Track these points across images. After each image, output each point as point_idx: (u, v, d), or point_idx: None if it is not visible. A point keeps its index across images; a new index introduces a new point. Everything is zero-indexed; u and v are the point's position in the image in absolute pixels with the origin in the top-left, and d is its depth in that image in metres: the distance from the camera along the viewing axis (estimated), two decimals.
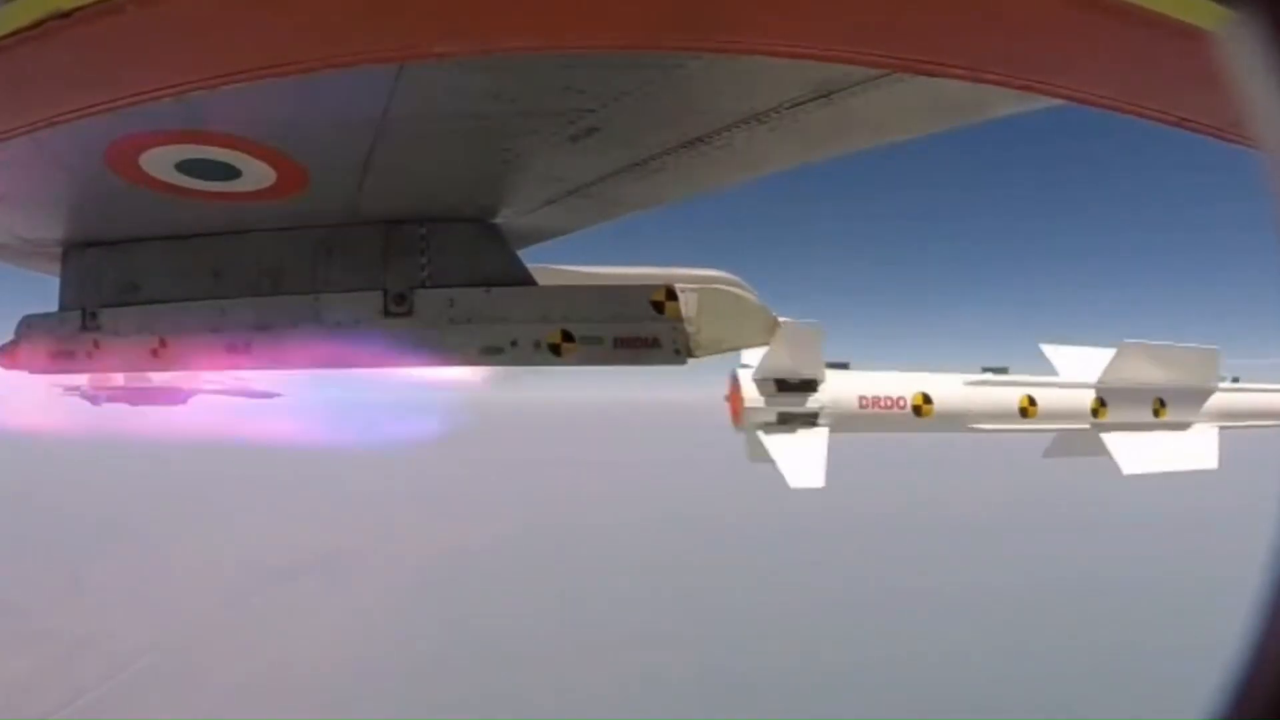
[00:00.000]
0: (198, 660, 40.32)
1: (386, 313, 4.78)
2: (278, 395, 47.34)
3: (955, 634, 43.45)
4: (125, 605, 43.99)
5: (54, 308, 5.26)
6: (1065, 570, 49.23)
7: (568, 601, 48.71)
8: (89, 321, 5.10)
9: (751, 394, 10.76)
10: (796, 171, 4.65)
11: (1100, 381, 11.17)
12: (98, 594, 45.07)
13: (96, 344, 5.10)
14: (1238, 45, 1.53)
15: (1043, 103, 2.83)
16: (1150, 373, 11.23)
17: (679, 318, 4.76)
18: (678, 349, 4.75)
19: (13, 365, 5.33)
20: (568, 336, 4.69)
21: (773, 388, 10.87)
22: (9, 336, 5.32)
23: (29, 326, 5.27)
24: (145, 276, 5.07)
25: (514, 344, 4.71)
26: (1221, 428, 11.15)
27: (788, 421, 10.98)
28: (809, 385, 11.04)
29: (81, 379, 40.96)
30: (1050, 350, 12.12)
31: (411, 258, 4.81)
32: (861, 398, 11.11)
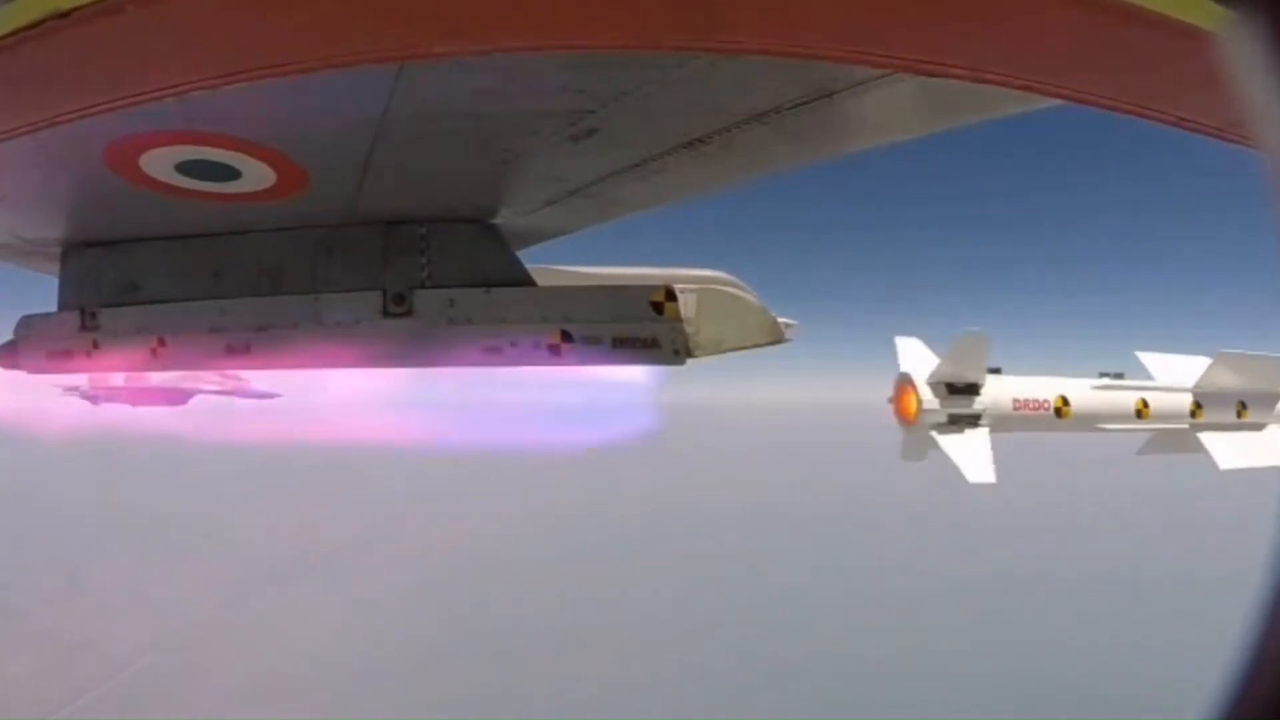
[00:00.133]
0: (198, 660, 40.33)
1: (386, 313, 4.78)
2: (277, 396, 47.39)
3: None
4: (125, 605, 44.00)
5: (53, 308, 5.26)
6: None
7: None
8: (88, 321, 5.09)
9: (927, 396, 12.31)
10: (796, 171, 4.66)
11: (1196, 386, 12.72)
12: (98, 594, 45.07)
13: (96, 344, 5.10)
14: (1238, 45, 1.53)
15: (1043, 103, 2.83)
16: (1236, 378, 12.79)
17: (678, 318, 4.76)
18: (677, 349, 4.75)
19: (12, 365, 5.32)
20: (567, 337, 4.69)
21: (944, 390, 12.40)
22: (8, 336, 5.31)
23: (28, 326, 5.27)
24: (145, 277, 5.07)
25: (513, 344, 4.71)
26: None
27: (955, 422, 12.44)
28: (973, 389, 12.44)
29: (81, 379, 40.99)
30: (1146, 357, 13.62)
31: (411, 258, 4.81)
32: (1015, 400, 12.52)
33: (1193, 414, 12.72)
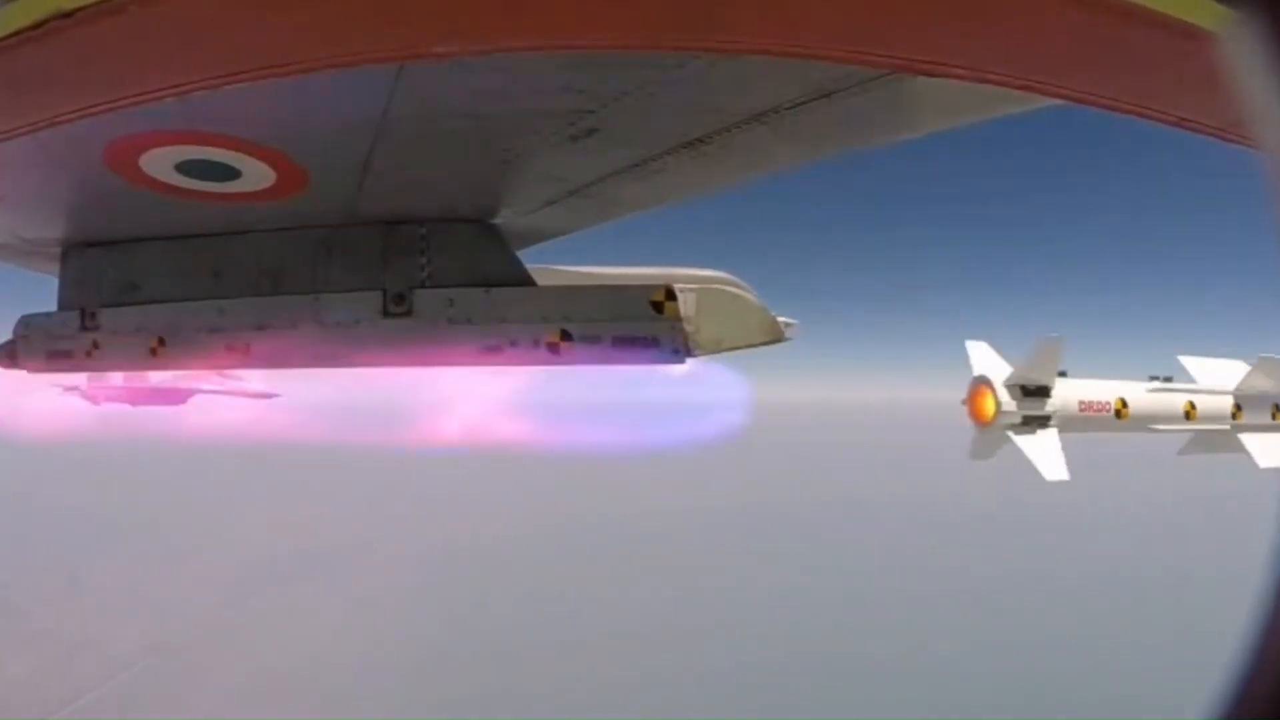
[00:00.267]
0: (198, 660, 40.34)
1: (386, 313, 4.78)
2: (276, 396, 47.39)
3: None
4: (125, 605, 44.01)
5: (53, 308, 5.26)
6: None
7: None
8: (88, 321, 5.10)
9: (1005, 398, 13.25)
10: (796, 171, 4.66)
11: (1237, 389, 13.72)
12: (98, 594, 45.08)
13: (96, 344, 5.10)
14: (1238, 45, 1.53)
15: (1043, 103, 2.83)
16: (1272, 382, 13.76)
17: (678, 318, 4.76)
18: (676, 349, 4.75)
19: (11, 365, 5.32)
20: (567, 336, 4.69)
21: (1019, 393, 13.33)
22: (8, 336, 5.31)
23: (27, 326, 5.27)
24: (145, 276, 5.07)
25: (513, 344, 4.71)
26: None
27: (1028, 423, 13.36)
28: (1044, 391, 13.35)
29: (81, 379, 40.97)
30: (1188, 361, 14.58)
31: (411, 258, 4.81)
32: (1081, 402, 13.50)
33: (1233, 415, 13.70)
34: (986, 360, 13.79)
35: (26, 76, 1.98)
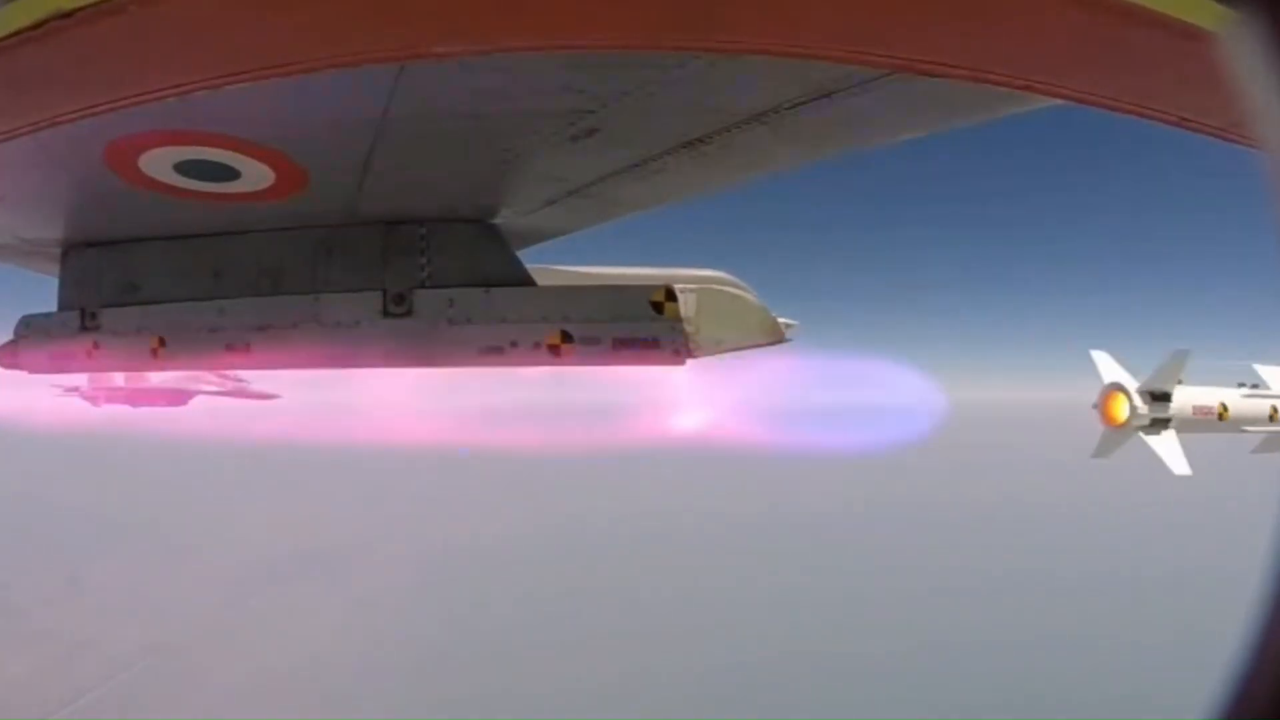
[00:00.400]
0: (198, 660, 40.33)
1: (386, 313, 4.78)
2: (277, 397, 47.42)
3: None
4: (125, 605, 43.99)
5: (53, 308, 5.26)
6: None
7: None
8: (88, 321, 5.09)
9: (1138, 402, 15.53)
10: (796, 171, 4.66)
11: None
12: (98, 594, 45.06)
13: (96, 344, 5.10)
14: (1238, 45, 1.53)
15: (1043, 103, 2.83)
16: None
17: (678, 318, 4.76)
18: (677, 349, 4.75)
19: (12, 365, 5.32)
20: (567, 337, 4.69)
21: (1148, 398, 15.57)
22: (8, 336, 5.31)
23: (28, 326, 5.27)
24: (145, 276, 5.07)
25: (513, 344, 4.71)
26: None
27: (1153, 425, 15.58)
28: (1166, 397, 15.54)
29: (81, 380, 41.04)
30: (1264, 370, 16.84)
31: (411, 258, 4.81)
32: (1194, 407, 15.69)
33: None
34: (1109, 368, 16.13)
35: (26, 76, 1.98)
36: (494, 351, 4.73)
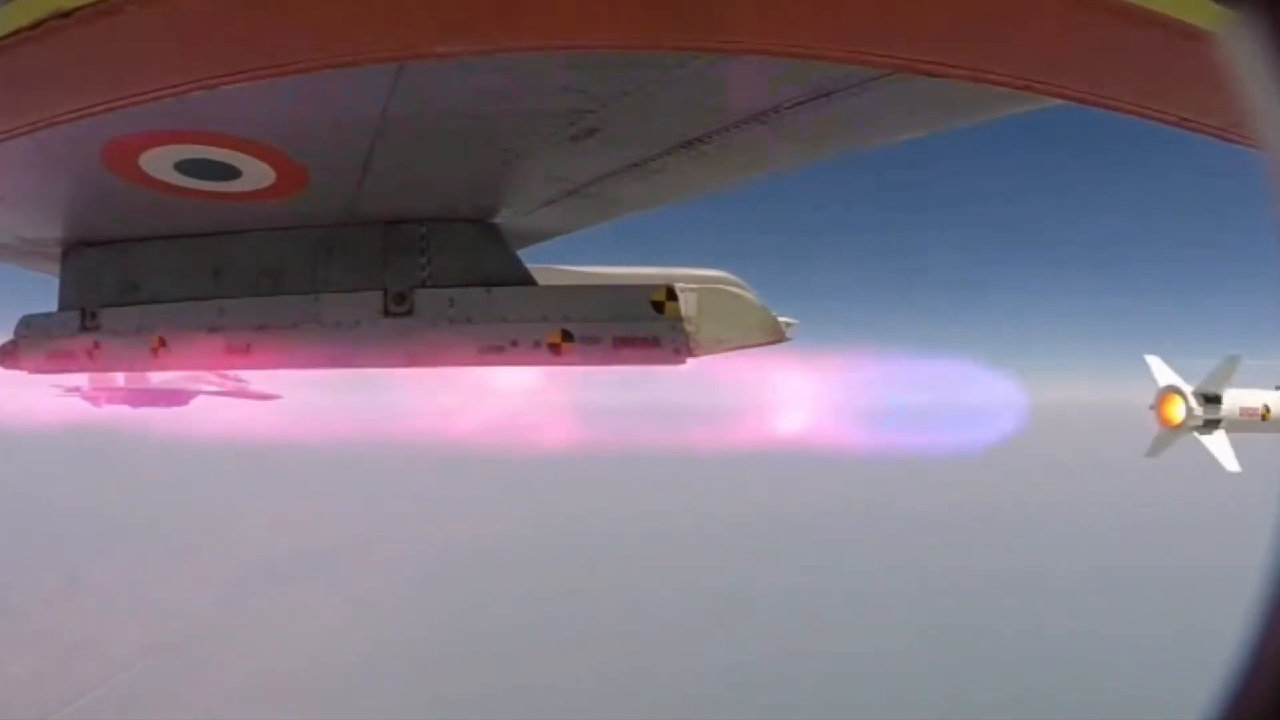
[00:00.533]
0: (198, 660, 40.32)
1: (386, 312, 4.78)
2: (277, 397, 47.45)
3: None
4: (125, 605, 43.99)
5: (53, 308, 5.26)
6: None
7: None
8: (88, 321, 5.09)
9: (1193, 404, 16.91)
10: (796, 171, 4.66)
11: None
12: (98, 594, 45.06)
13: (96, 344, 5.10)
14: (1238, 45, 1.53)
15: (1043, 103, 2.83)
16: None
17: (679, 317, 4.76)
18: (677, 349, 4.75)
19: (12, 365, 5.32)
20: (567, 336, 4.69)
21: (1202, 400, 16.94)
22: (8, 336, 5.31)
23: (28, 326, 5.27)
24: (145, 276, 5.07)
25: (514, 344, 4.71)
26: None
27: (1206, 425, 16.99)
28: (1217, 399, 16.90)
29: (82, 380, 41.07)
30: None
31: (411, 257, 4.81)
32: (1241, 408, 17.05)
33: None
34: (1162, 371, 17.50)
35: (26, 76, 1.98)
36: (494, 351, 4.73)
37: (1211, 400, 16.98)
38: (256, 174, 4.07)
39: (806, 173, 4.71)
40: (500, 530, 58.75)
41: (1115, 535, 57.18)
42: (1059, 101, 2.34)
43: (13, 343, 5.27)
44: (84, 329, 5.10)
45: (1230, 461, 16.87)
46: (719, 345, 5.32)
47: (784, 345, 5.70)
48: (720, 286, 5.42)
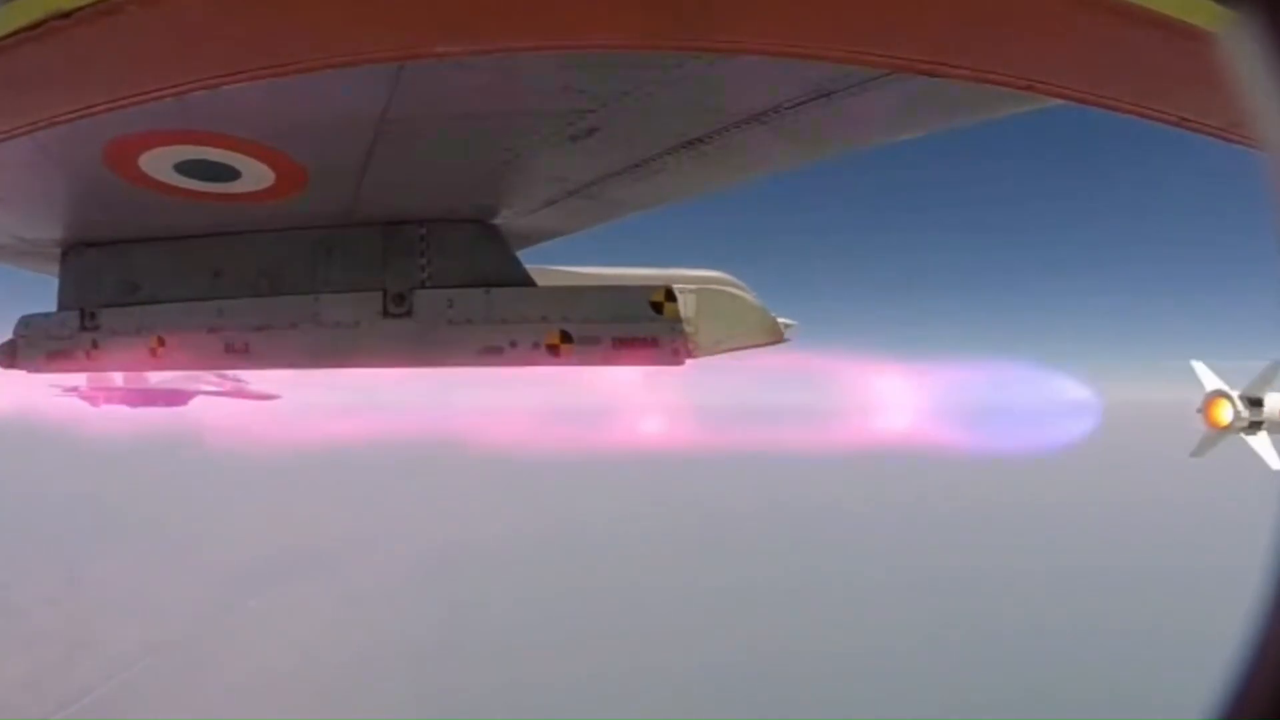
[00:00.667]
0: (198, 660, 40.34)
1: (385, 313, 4.78)
2: (277, 397, 47.47)
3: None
4: (125, 605, 43.99)
5: (53, 308, 5.26)
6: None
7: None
8: (88, 321, 5.09)
9: (1239, 406, 18.06)
10: (796, 171, 4.66)
11: None
12: (98, 594, 45.05)
13: (95, 344, 5.10)
14: (1238, 45, 1.52)
15: (1043, 103, 2.83)
16: None
17: (678, 318, 4.76)
18: (676, 349, 4.75)
19: (11, 365, 5.32)
20: (566, 337, 4.69)
21: (1247, 403, 18.17)
22: (8, 336, 5.31)
23: (27, 326, 5.27)
24: (144, 276, 5.07)
25: (513, 344, 4.71)
26: None
27: (1250, 427, 18.28)
28: (1259, 402, 18.15)
29: (81, 380, 41.05)
30: None
31: (411, 258, 4.81)
32: None
33: None
34: (1208, 376, 18.79)
35: (26, 76, 1.97)
36: (494, 351, 4.73)
37: (1255, 403, 18.24)
38: (256, 175, 4.06)
39: (806, 173, 4.72)
40: (499, 530, 58.76)
41: (1148, 534, 57.23)
42: (1059, 101, 2.34)
43: (12, 343, 5.27)
44: (83, 329, 5.10)
45: (1274, 460, 18.17)
46: (718, 346, 5.32)
47: (783, 346, 5.70)
48: (719, 287, 5.42)
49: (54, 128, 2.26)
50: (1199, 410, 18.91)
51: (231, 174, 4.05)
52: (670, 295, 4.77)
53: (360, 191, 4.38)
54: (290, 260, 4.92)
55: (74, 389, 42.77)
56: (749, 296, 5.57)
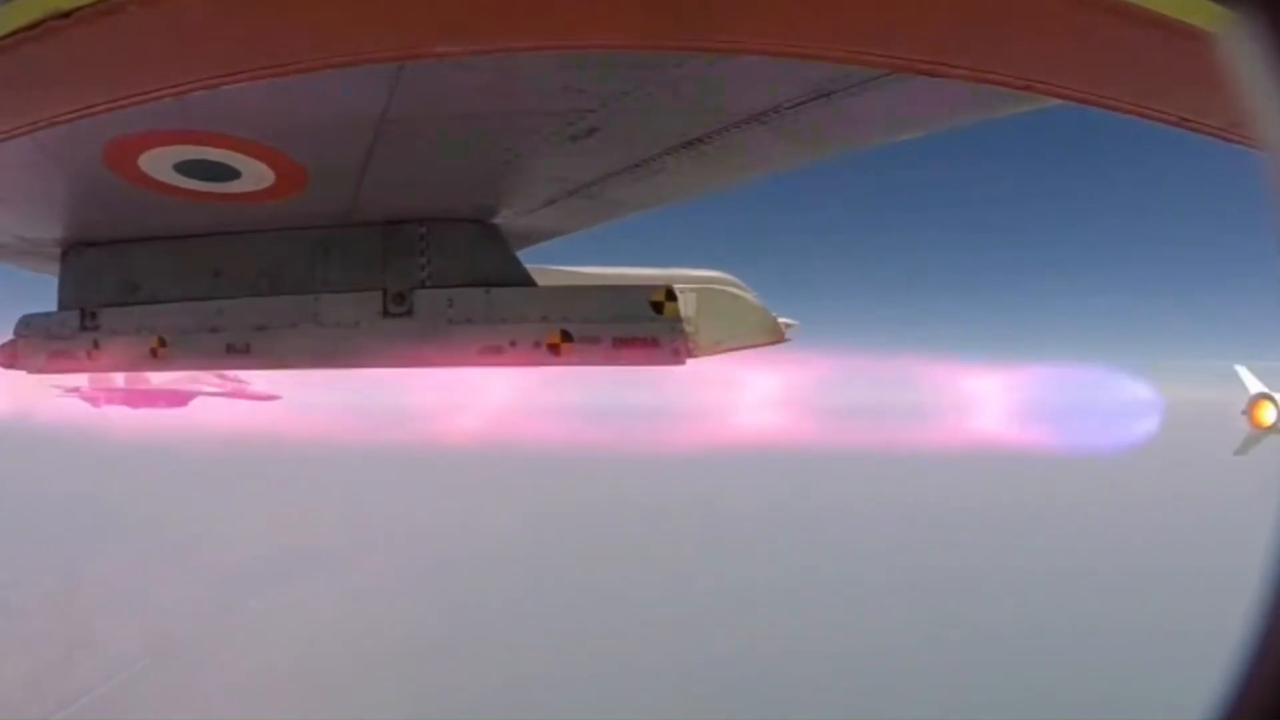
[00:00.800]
0: (198, 660, 40.33)
1: (386, 313, 4.78)
2: (277, 398, 47.53)
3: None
4: (125, 605, 43.99)
5: (53, 307, 5.26)
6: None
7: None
8: (88, 321, 5.10)
9: None
10: (796, 171, 4.66)
11: None
12: (98, 594, 45.06)
13: (96, 344, 5.10)
14: (1238, 45, 1.53)
15: (1043, 103, 2.83)
16: None
17: (678, 318, 4.76)
18: (676, 349, 4.75)
19: (11, 365, 5.33)
20: (567, 337, 4.69)
21: None
22: (8, 336, 5.31)
23: (27, 326, 5.27)
24: (144, 276, 5.07)
25: (513, 344, 4.71)
26: None
27: None
28: None
29: (81, 380, 41.12)
30: None
31: (411, 258, 4.81)
32: None
33: None
34: (1251, 380, 20.56)
35: (26, 76, 1.98)
36: (494, 351, 4.73)
37: None
38: (256, 175, 4.07)
39: (806, 173, 4.72)
40: (500, 530, 58.74)
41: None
42: (1059, 101, 2.34)
43: (12, 343, 5.28)
44: (84, 329, 5.10)
45: None
46: (718, 346, 5.32)
47: (783, 346, 5.71)
48: (719, 287, 5.42)
49: (54, 128, 2.27)
50: (1243, 412, 20.75)
51: (231, 174, 4.05)
52: (671, 295, 4.77)
53: (360, 191, 4.38)
54: (290, 260, 4.92)
55: (75, 389, 42.83)
56: (750, 296, 5.57)
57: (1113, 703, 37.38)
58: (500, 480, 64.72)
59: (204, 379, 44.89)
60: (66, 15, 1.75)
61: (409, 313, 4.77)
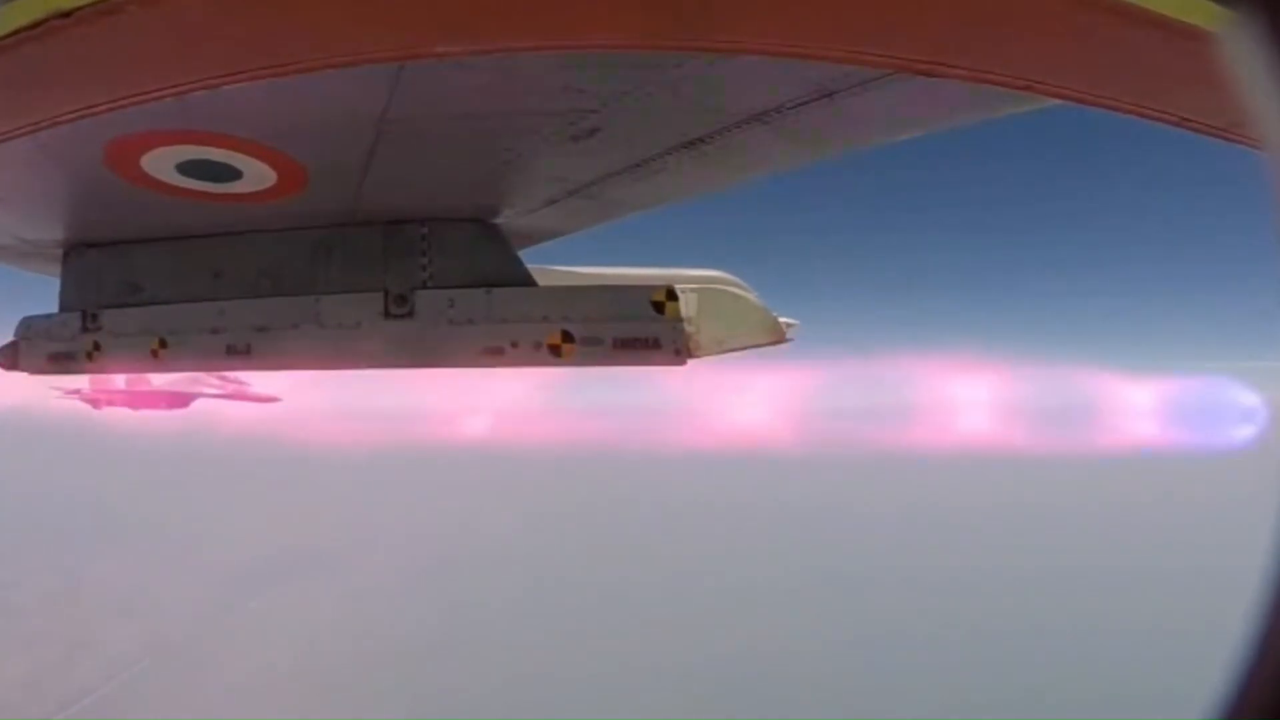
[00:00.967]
0: (198, 660, 40.35)
1: (387, 314, 4.78)
2: (277, 399, 47.57)
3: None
4: (125, 605, 44.01)
5: (54, 309, 5.26)
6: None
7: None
8: (89, 323, 5.10)
9: None
10: (796, 171, 4.66)
11: None
12: (98, 594, 45.07)
13: (97, 345, 5.10)
14: (1238, 45, 1.53)
15: (1043, 103, 2.83)
16: None
17: (679, 318, 4.75)
18: (678, 349, 4.75)
19: (12, 366, 5.33)
20: (568, 337, 4.69)
21: None
22: (9, 337, 5.31)
23: (29, 328, 5.27)
24: (145, 277, 5.07)
25: (514, 345, 4.71)
26: None
27: None
28: None
29: (82, 382, 41.15)
30: None
31: (412, 258, 4.81)
32: None
33: None
34: None
35: (26, 76, 1.98)
36: (495, 352, 4.73)
37: None
38: (257, 175, 4.07)
39: (806, 173, 4.72)
40: (500, 530, 58.76)
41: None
42: (1059, 101, 2.34)
43: (13, 344, 5.28)
44: (85, 330, 5.10)
45: None
46: (719, 346, 5.32)
47: (784, 346, 5.71)
48: (720, 287, 5.42)
49: (55, 128, 2.27)
50: None
51: (233, 174, 4.05)
52: (672, 295, 4.77)
53: (361, 191, 4.38)
54: (291, 260, 4.92)
55: (76, 391, 42.87)
56: (750, 296, 5.57)
57: (1112, 703, 37.36)
58: (500, 480, 64.71)
59: (205, 380, 44.91)
60: (67, 15, 1.75)
61: (410, 313, 4.76)
